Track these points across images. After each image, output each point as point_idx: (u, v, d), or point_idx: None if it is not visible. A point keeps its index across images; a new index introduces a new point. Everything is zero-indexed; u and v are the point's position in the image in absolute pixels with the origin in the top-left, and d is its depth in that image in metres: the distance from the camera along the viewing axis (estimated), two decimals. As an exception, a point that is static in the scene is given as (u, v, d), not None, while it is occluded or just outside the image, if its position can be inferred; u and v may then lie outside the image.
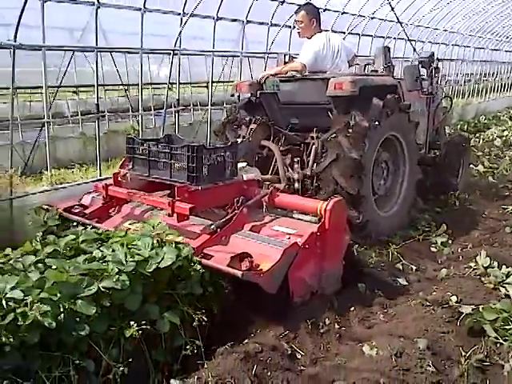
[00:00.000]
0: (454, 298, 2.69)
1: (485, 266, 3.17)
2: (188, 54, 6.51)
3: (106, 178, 4.21)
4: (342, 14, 7.52)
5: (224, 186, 3.02)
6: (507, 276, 2.95)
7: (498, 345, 2.28)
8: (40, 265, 2.31)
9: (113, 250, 2.34)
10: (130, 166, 3.26)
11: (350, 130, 3.64)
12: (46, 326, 1.89)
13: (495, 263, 3.16)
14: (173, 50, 5.49)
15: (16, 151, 4.64)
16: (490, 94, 14.58)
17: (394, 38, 9.24)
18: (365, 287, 3.03)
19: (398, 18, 6.38)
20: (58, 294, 2.01)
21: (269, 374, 2.09)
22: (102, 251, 2.36)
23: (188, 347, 2.23)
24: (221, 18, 5.94)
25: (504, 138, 9.23)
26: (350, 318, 2.68)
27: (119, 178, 3.27)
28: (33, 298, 1.95)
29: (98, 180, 4.54)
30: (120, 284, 2.11)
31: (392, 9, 6.02)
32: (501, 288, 2.86)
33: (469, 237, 4.23)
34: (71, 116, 8.10)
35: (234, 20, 6.31)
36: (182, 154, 2.92)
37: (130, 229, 2.81)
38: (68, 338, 1.96)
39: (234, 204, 2.96)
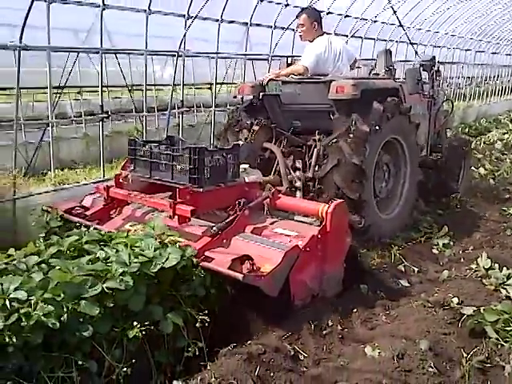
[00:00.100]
0: (455, 300, 2.70)
1: (486, 267, 3.18)
2: (192, 56, 6.53)
3: (110, 179, 4.22)
4: (345, 17, 7.56)
5: (226, 188, 3.01)
6: (508, 278, 2.96)
7: (499, 346, 2.29)
8: (43, 265, 2.31)
9: (116, 251, 2.35)
10: (132, 168, 3.26)
11: (351, 135, 3.64)
12: (50, 327, 1.89)
13: (496, 265, 3.17)
14: (177, 52, 5.52)
15: (19, 152, 4.64)
16: (491, 97, 14.59)
17: (396, 41, 9.26)
18: (367, 289, 3.04)
19: (400, 22, 6.41)
20: (62, 295, 2.02)
21: (272, 375, 2.10)
22: (105, 252, 2.37)
23: (191, 348, 2.23)
24: (225, 21, 5.98)
25: (505, 141, 9.23)
26: (353, 319, 2.69)
27: (120, 180, 3.27)
28: (36, 298, 1.96)
29: (101, 181, 4.56)
30: (124, 285, 2.12)
31: (394, 12, 6.04)
32: (502, 290, 2.87)
33: (470, 239, 4.24)
34: (74, 117, 8.11)
35: (238, 22, 6.34)
36: (183, 156, 2.92)
37: (130, 230, 2.81)
38: (71, 339, 1.97)
39: (236, 206, 2.95)
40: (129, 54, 6.83)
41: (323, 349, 2.40)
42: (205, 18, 5.76)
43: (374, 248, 3.77)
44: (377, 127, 3.70)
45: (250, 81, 5.87)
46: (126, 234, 2.66)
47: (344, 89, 3.68)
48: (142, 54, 5.22)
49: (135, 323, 2.09)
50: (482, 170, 6.67)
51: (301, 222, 3.07)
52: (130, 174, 3.22)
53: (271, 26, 6.70)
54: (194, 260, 2.45)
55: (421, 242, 4.16)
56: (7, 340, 1.81)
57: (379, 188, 4.06)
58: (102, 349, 2.03)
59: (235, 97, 4.66)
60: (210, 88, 9.03)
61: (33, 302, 1.95)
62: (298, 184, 3.89)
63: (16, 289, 1.98)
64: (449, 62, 11.76)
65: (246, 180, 3.25)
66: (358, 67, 4.77)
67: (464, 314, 2.53)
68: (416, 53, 6.86)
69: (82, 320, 2.01)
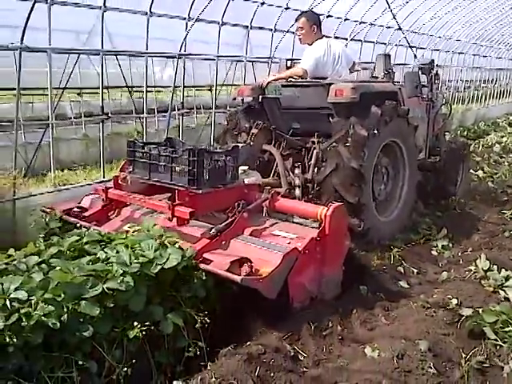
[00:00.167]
0: (454, 301, 2.72)
1: (484, 269, 3.20)
2: (193, 58, 6.56)
3: (110, 180, 4.22)
4: (345, 20, 7.60)
5: (225, 190, 3.00)
6: (506, 279, 2.98)
7: (498, 347, 2.31)
8: (43, 265, 2.31)
9: (117, 252, 2.36)
10: (131, 169, 3.26)
11: (349, 139, 3.64)
12: (50, 327, 1.90)
13: (495, 267, 3.19)
14: (178, 55, 5.54)
15: (19, 152, 4.65)
16: (489, 100, 14.65)
17: (396, 45, 9.30)
18: (367, 290, 3.05)
19: (399, 25, 6.45)
20: (62, 295, 2.03)
21: (272, 375, 2.10)
22: (106, 252, 2.37)
23: (191, 348, 2.23)
24: (226, 23, 6.01)
25: (503, 144, 9.29)
26: (352, 320, 2.69)
27: (119, 181, 3.26)
28: (37, 298, 1.96)
29: (101, 182, 4.56)
30: (124, 285, 2.12)
31: (394, 16, 6.07)
32: (500, 291, 2.89)
33: (469, 241, 4.25)
34: (74, 118, 8.12)
35: (239, 25, 6.37)
36: (182, 158, 2.91)
37: (128, 231, 2.80)
38: (71, 339, 1.97)
39: (235, 208, 2.95)
40: (130, 55, 6.85)
41: (323, 349, 2.41)
42: (206, 21, 5.78)
43: (373, 250, 3.78)
44: (375, 131, 3.70)
45: (249, 83, 5.89)
46: (124, 234, 2.66)
47: (343, 92, 3.69)
48: (143, 56, 5.23)
49: (135, 323, 2.10)
50: (480, 173, 6.70)
51: (299, 224, 3.06)
52: (129, 176, 3.22)
53: (271, 29, 6.75)
54: (193, 262, 2.45)
55: (420, 243, 4.17)
56: (7, 340, 1.81)
57: (378, 191, 4.07)
58: (103, 349, 2.04)
59: (235, 99, 4.68)
60: (210, 90, 9.05)
61: (33, 302, 1.95)
62: (297, 186, 3.90)
63: (16, 289, 1.98)
64: (447, 66, 11.82)
65: (245, 182, 3.26)
66: (357, 70, 4.79)
67: (463, 315, 2.54)
68: (415, 56, 6.91)
69: (82, 320, 2.01)
